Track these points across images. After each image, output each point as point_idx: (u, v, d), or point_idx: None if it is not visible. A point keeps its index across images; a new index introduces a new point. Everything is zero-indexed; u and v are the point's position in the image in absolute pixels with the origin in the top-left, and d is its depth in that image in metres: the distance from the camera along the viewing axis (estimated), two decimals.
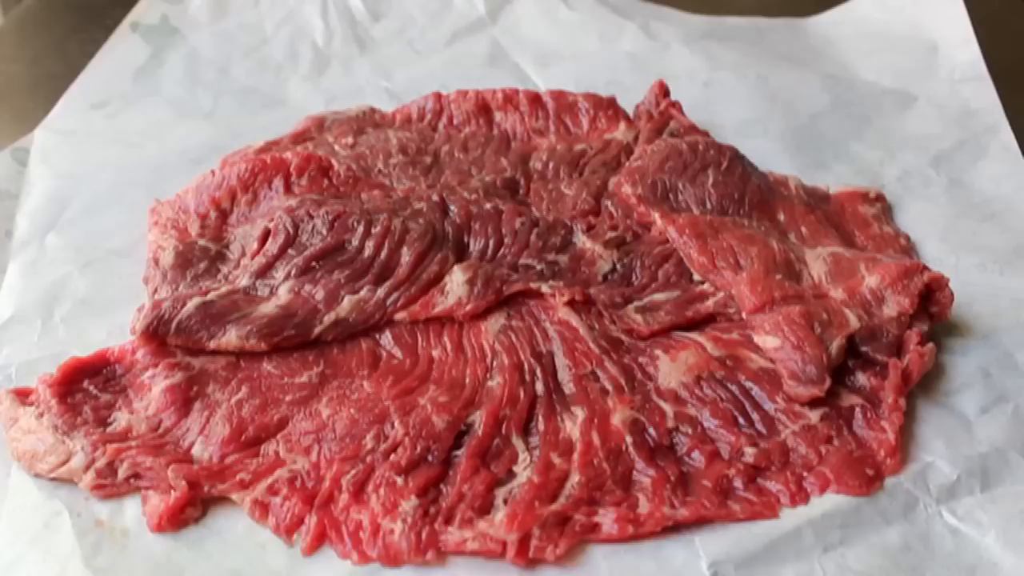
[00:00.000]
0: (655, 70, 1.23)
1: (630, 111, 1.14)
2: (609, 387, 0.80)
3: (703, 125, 1.13)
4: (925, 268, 0.85)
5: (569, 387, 0.81)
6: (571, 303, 0.86)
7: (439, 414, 0.77)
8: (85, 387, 0.79)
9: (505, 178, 1.02)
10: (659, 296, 0.88)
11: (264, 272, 0.88)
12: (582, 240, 0.94)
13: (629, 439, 0.76)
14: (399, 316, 0.85)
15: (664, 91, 1.15)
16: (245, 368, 0.81)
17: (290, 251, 0.89)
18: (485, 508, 0.72)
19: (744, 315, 0.85)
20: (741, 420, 0.78)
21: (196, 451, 0.75)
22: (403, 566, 0.69)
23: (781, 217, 0.98)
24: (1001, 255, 0.96)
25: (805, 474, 0.74)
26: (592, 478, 0.73)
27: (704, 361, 0.81)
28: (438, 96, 1.14)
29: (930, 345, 0.82)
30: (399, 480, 0.73)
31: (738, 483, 0.74)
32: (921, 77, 1.23)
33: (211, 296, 0.84)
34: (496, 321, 0.86)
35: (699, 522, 0.71)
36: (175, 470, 0.73)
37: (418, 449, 0.75)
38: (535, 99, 1.13)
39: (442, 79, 1.23)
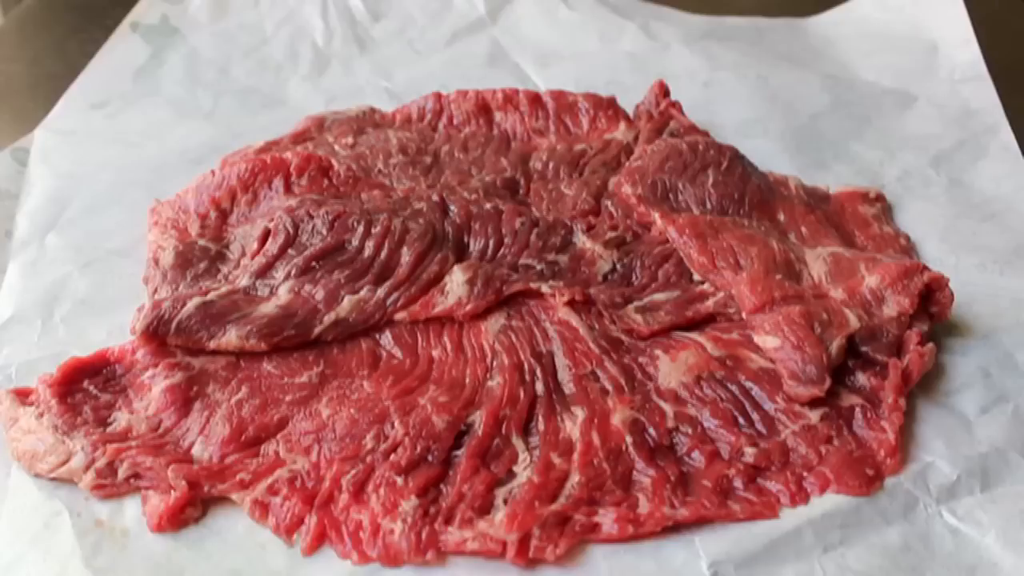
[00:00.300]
0: (655, 70, 1.23)
1: (630, 111, 1.14)
2: (609, 387, 0.80)
3: (703, 125, 1.13)
4: (925, 268, 0.85)
5: (569, 387, 0.81)
6: (571, 303, 0.86)
7: (439, 414, 0.77)
8: (85, 387, 0.79)
9: (505, 178, 1.02)
10: (659, 296, 0.88)
11: (264, 272, 0.88)
12: (582, 240, 0.94)
13: (629, 439, 0.76)
14: (399, 316, 0.86)
15: (664, 91, 1.15)
16: (245, 368, 0.81)
17: (290, 251, 0.89)
18: (485, 508, 0.72)
19: (744, 315, 0.85)
20: (741, 420, 0.78)
21: (196, 451, 0.75)
22: (403, 566, 0.69)
23: (781, 217, 0.98)
24: (1001, 255, 0.96)
25: (805, 474, 0.74)
26: (592, 478, 0.73)
27: (704, 361, 0.81)
28: (438, 96, 1.14)
29: (930, 345, 0.82)
30: (399, 480, 0.73)
31: (738, 483, 0.74)
32: (921, 77, 1.23)
33: (211, 296, 0.84)
34: (496, 321, 0.86)
35: (699, 522, 0.71)
36: (175, 470, 0.73)
37: (418, 449, 0.75)
38: (535, 99, 1.13)
39: (442, 79, 1.23)
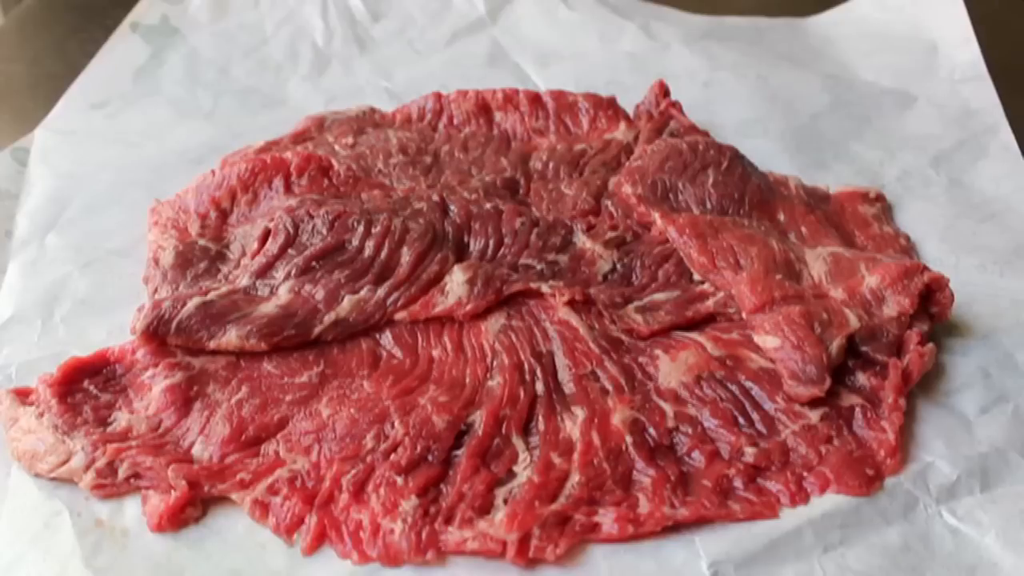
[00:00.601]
0: (655, 70, 1.23)
1: (630, 111, 1.14)
2: (609, 387, 0.80)
3: (703, 125, 1.13)
4: (925, 268, 0.86)
5: (569, 387, 0.81)
6: (571, 303, 0.86)
7: (439, 414, 0.77)
8: (85, 387, 0.79)
9: (505, 178, 1.02)
10: (659, 296, 0.88)
11: (264, 272, 0.88)
12: (582, 240, 0.94)
13: (629, 439, 0.76)
14: (399, 316, 0.86)
15: (664, 91, 1.15)
16: (245, 368, 0.81)
17: (290, 251, 0.89)
18: (485, 508, 0.72)
19: (744, 315, 0.85)
20: (741, 420, 0.78)
21: (196, 451, 0.75)
22: (403, 566, 0.69)
23: (781, 217, 0.98)
24: (1001, 255, 0.96)
25: (805, 474, 0.74)
26: (592, 478, 0.73)
27: (704, 361, 0.81)
28: (438, 96, 1.14)
29: (930, 345, 0.82)
30: (399, 480, 0.73)
31: (738, 483, 0.74)
32: (921, 77, 1.23)
33: (211, 296, 0.84)
34: (496, 321, 0.86)
35: (699, 522, 0.71)
36: (175, 470, 0.73)
37: (418, 449, 0.75)
38: (535, 99, 1.13)
39: (442, 79, 1.23)
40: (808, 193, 1.03)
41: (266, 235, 0.91)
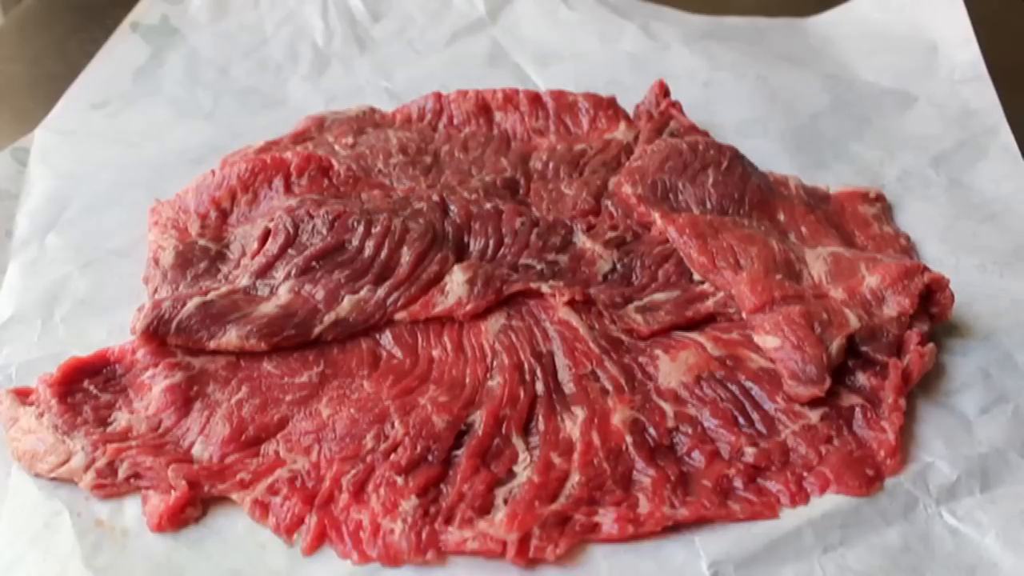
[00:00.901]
0: (655, 70, 1.23)
1: (630, 111, 1.14)
2: (609, 387, 0.80)
3: (703, 125, 1.13)
4: (926, 269, 0.85)
5: (569, 387, 0.81)
6: (571, 303, 0.86)
7: (439, 414, 0.77)
8: (85, 387, 0.79)
9: (505, 178, 1.02)
10: (659, 296, 0.88)
11: (264, 272, 0.88)
12: (582, 240, 0.94)
13: (629, 439, 0.76)
14: (399, 316, 0.86)
15: (664, 91, 1.15)
16: (245, 368, 0.81)
17: (290, 251, 0.89)
18: (485, 508, 0.72)
19: (744, 315, 0.85)
20: (741, 420, 0.78)
21: (196, 451, 0.75)
22: (403, 566, 0.69)
23: (781, 217, 0.98)
24: (1001, 256, 0.96)
25: (805, 474, 0.74)
26: (592, 478, 0.73)
27: (704, 361, 0.81)
28: (438, 96, 1.14)
29: (930, 345, 0.82)
30: (399, 480, 0.73)
31: (738, 483, 0.74)
32: (921, 77, 1.23)
33: (211, 296, 0.84)
34: (496, 321, 0.86)
35: (699, 522, 0.71)
36: (175, 470, 0.73)
37: (418, 449, 0.75)
38: (535, 99, 1.13)
39: (442, 79, 1.23)
40: (808, 193, 1.03)
41: (266, 235, 0.91)
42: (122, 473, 0.73)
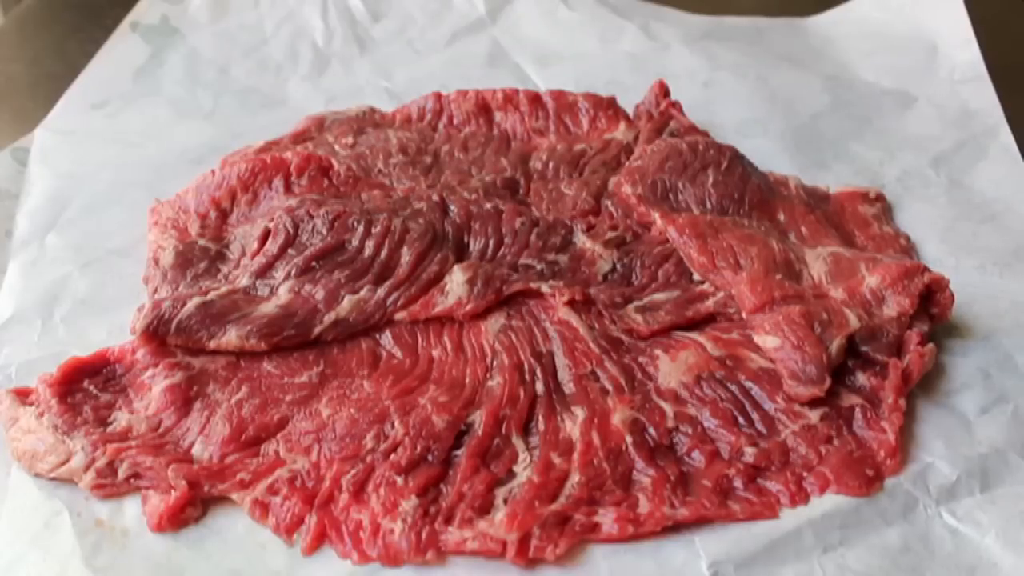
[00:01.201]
0: (655, 70, 1.23)
1: (630, 111, 1.14)
2: (609, 387, 0.80)
3: (703, 125, 1.13)
4: (926, 269, 0.85)
5: (569, 387, 0.81)
6: (571, 303, 0.86)
7: (439, 414, 0.77)
8: (85, 387, 0.79)
9: (505, 178, 1.02)
10: (659, 296, 0.88)
11: (264, 272, 0.88)
12: (582, 240, 0.94)
13: (629, 439, 0.76)
14: (399, 316, 0.86)
15: (664, 91, 1.15)
16: (245, 368, 0.81)
17: (290, 251, 0.89)
18: (485, 508, 0.72)
19: (744, 315, 0.85)
20: (741, 420, 0.78)
21: (196, 451, 0.75)
22: (403, 566, 0.69)
23: (781, 217, 0.98)
24: (1001, 257, 0.96)
25: (805, 474, 0.74)
26: (592, 478, 0.73)
27: (704, 361, 0.81)
28: (438, 96, 1.14)
29: (930, 345, 0.82)
30: (399, 480, 0.73)
31: (738, 483, 0.74)
32: (921, 77, 1.23)
33: (211, 296, 0.84)
34: (496, 321, 0.86)
35: (699, 522, 0.71)
36: (175, 470, 0.73)
37: (418, 449, 0.75)
38: (535, 99, 1.13)
39: (442, 79, 1.23)
40: (808, 193, 1.03)
41: (266, 235, 0.91)
42: (122, 473, 0.73)
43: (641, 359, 0.83)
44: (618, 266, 0.91)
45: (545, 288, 0.87)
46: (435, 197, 0.96)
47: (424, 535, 0.70)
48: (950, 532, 0.71)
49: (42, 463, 0.74)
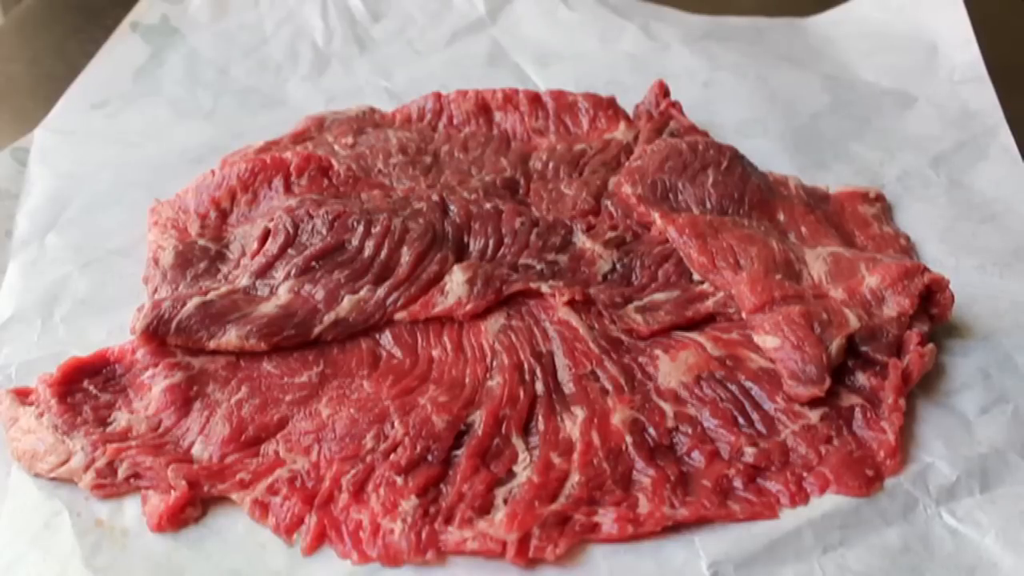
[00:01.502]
0: (655, 70, 1.23)
1: (630, 111, 1.14)
2: (609, 387, 0.80)
3: (703, 125, 1.13)
4: (926, 269, 0.85)
5: (569, 387, 0.81)
6: (571, 303, 0.86)
7: (439, 414, 0.77)
8: (85, 387, 0.79)
9: (505, 178, 1.02)
10: (659, 296, 0.88)
11: (264, 272, 0.88)
12: (582, 240, 0.94)
13: (629, 439, 0.76)
14: (399, 316, 0.86)
15: (664, 91, 1.15)
16: (245, 368, 0.81)
17: (290, 251, 0.89)
18: (485, 508, 0.72)
19: (744, 315, 0.85)
20: (741, 420, 0.78)
21: (196, 451, 0.75)
22: (403, 566, 0.69)
23: (781, 217, 0.98)
24: (1001, 257, 0.96)
25: (805, 474, 0.74)
26: (592, 478, 0.73)
27: (704, 361, 0.81)
28: (438, 96, 1.14)
29: (930, 346, 0.82)
30: (399, 480, 0.73)
31: (738, 483, 0.74)
32: (921, 78, 1.23)
33: (211, 296, 0.84)
34: (496, 321, 0.86)
35: (699, 522, 0.71)
36: (175, 470, 0.73)
37: (418, 449, 0.75)
38: (535, 99, 1.13)
39: (442, 79, 1.23)
40: (808, 193, 1.03)
41: (266, 235, 0.91)
42: (122, 473, 0.73)
43: (641, 359, 0.83)
44: (618, 266, 0.91)
45: (545, 288, 0.87)
46: (435, 197, 0.96)
47: (424, 535, 0.70)
48: (950, 532, 0.71)
49: (42, 463, 0.74)
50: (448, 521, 0.71)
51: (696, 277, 0.90)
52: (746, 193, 0.99)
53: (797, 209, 0.99)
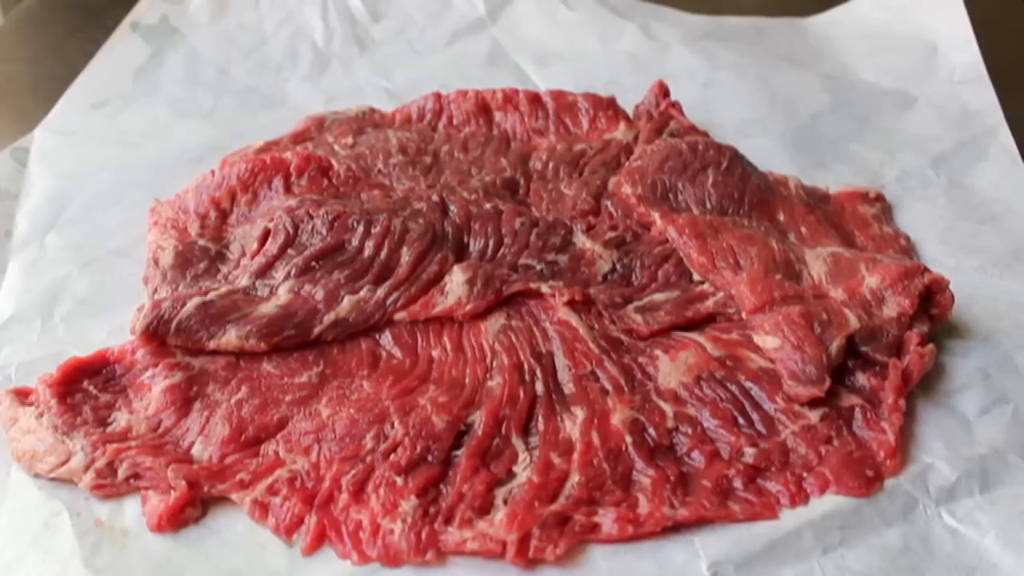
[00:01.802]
0: (655, 70, 1.23)
1: (630, 111, 1.14)
2: (609, 387, 0.80)
3: (703, 125, 1.13)
4: (926, 269, 0.85)
5: (569, 387, 0.81)
6: (571, 303, 0.86)
7: (439, 414, 0.77)
8: (85, 387, 0.79)
9: (505, 178, 1.02)
10: (659, 296, 0.88)
11: (264, 272, 0.88)
12: (582, 240, 0.94)
13: (629, 439, 0.76)
14: (399, 316, 0.86)
15: (664, 91, 1.15)
16: (245, 368, 0.81)
17: (290, 251, 0.89)
18: (485, 508, 0.72)
19: (744, 315, 0.85)
20: (741, 420, 0.78)
21: (196, 451, 0.75)
22: (403, 566, 0.69)
23: (781, 217, 0.98)
24: (1000, 257, 0.96)
25: (805, 475, 0.74)
26: (592, 478, 0.73)
27: (704, 361, 0.81)
28: (438, 96, 1.14)
29: (930, 346, 0.82)
30: (399, 480, 0.73)
31: (738, 483, 0.74)
32: (921, 78, 1.23)
33: (211, 296, 0.84)
34: (496, 321, 0.86)
35: (699, 522, 0.71)
36: (175, 470, 0.73)
37: (418, 449, 0.75)
38: (535, 99, 1.13)
39: (442, 79, 1.23)
40: (808, 193, 1.03)
41: (266, 235, 0.91)
42: (122, 473, 0.73)
43: (641, 359, 0.83)
44: (618, 266, 0.91)
45: (545, 288, 0.87)
46: (435, 197, 0.96)
47: (424, 535, 0.70)
48: (950, 533, 0.72)
49: (42, 463, 0.74)
50: (448, 521, 0.71)
51: (696, 277, 0.90)
52: (746, 193, 0.99)
53: (797, 209, 0.99)
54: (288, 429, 0.77)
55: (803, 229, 0.97)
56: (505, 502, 0.72)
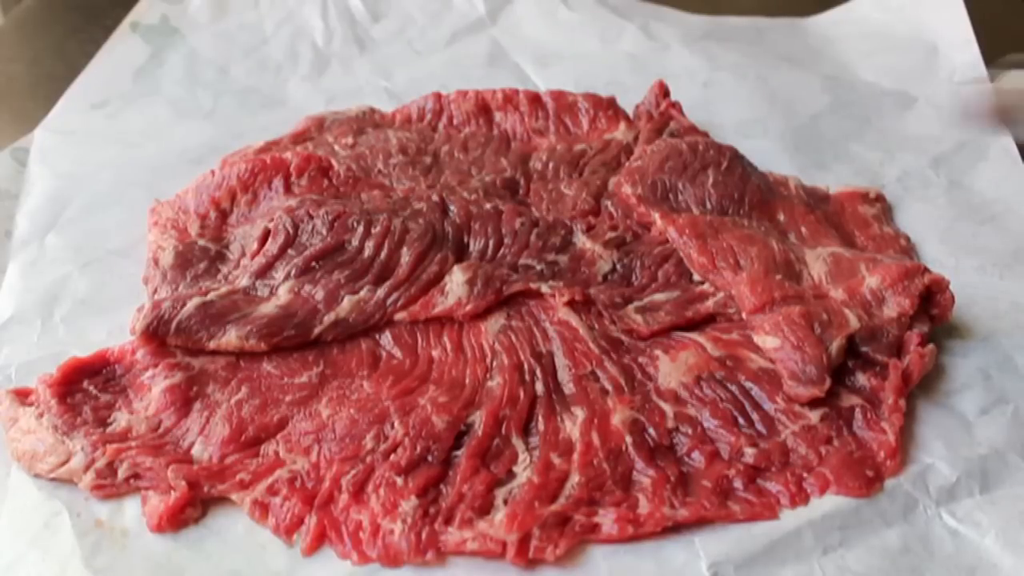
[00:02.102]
0: (655, 70, 1.23)
1: (630, 111, 1.14)
2: (609, 387, 0.80)
3: (703, 125, 1.13)
4: (926, 270, 0.85)
5: (569, 387, 0.81)
6: (571, 303, 0.86)
7: (439, 414, 0.77)
8: (85, 387, 0.79)
9: (505, 178, 1.02)
10: (659, 296, 0.88)
11: (264, 272, 0.88)
12: (582, 240, 0.94)
13: (629, 439, 0.76)
14: (399, 316, 0.86)
15: (664, 91, 1.15)
16: (245, 368, 0.81)
17: (290, 251, 0.89)
18: (485, 508, 0.72)
19: (744, 315, 0.85)
20: (741, 420, 0.78)
21: (196, 451, 0.75)
22: (403, 566, 0.69)
23: (781, 217, 0.99)
24: (1000, 258, 0.96)
25: (805, 475, 0.74)
26: (592, 478, 0.73)
27: (704, 361, 0.81)
28: (438, 96, 1.14)
29: (930, 346, 0.82)
30: (399, 480, 0.73)
31: (738, 483, 0.74)
32: (921, 78, 1.23)
33: (211, 296, 0.84)
34: (496, 321, 0.86)
35: (699, 522, 0.71)
36: (175, 470, 0.73)
37: (418, 449, 0.75)
38: (535, 99, 1.13)
39: (442, 79, 1.23)
40: (808, 193, 1.03)
41: (266, 235, 0.91)
42: (122, 473, 0.73)
43: (641, 359, 0.83)
44: (618, 266, 0.91)
45: (545, 288, 0.87)
46: (435, 197, 0.96)
47: (424, 535, 0.70)
48: (950, 533, 0.72)
49: (42, 463, 0.74)
50: (448, 522, 0.71)
51: (696, 277, 0.90)
52: (746, 193, 0.99)
53: (797, 209, 0.99)
54: (288, 429, 0.77)
55: (803, 229, 0.97)
56: (505, 502, 0.72)
